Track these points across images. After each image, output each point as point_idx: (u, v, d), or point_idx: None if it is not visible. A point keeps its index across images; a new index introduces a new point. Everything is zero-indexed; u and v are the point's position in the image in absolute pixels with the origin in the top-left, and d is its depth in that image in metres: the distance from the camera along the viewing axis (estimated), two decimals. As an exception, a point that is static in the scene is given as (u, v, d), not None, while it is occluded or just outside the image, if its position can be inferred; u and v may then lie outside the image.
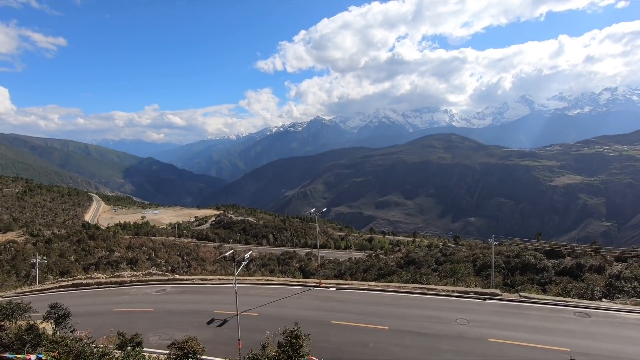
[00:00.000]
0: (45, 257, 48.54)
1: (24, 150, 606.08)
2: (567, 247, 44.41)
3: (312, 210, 32.60)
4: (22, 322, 17.44)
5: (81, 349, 13.14)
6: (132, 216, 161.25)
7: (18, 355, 13.59)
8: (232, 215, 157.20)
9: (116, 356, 14.60)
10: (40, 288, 34.71)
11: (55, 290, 33.64)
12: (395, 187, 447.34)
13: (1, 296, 30.74)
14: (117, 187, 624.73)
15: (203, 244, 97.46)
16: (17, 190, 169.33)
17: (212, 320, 21.46)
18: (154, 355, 17.32)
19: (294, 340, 13.29)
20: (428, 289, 25.37)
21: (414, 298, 24.03)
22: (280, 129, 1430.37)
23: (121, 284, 33.20)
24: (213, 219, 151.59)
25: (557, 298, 22.73)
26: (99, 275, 37.82)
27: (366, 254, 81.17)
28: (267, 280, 31.60)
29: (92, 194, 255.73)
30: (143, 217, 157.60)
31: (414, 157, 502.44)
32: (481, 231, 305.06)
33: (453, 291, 24.54)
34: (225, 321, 21.16)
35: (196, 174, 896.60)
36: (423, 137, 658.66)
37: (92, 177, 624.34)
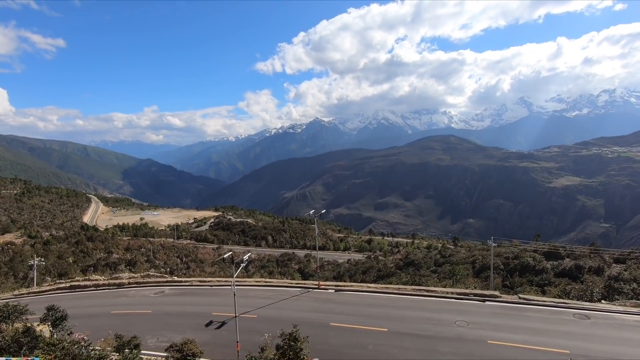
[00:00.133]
0: (43, 259, 48.37)
1: (22, 151, 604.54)
2: (566, 249, 44.43)
3: (311, 212, 32.56)
4: (19, 325, 17.30)
5: (78, 352, 13.06)
6: (130, 218, 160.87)
7: (14, 358, 13.49)
8: (231, 217, 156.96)
9: (114, 359, 14.51)
10: (37, 290, 34.55)
11: (53, 292, 33.47)
12: (394, 189, 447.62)
13: (-2, 298, 30.56)
14: (115, 189, 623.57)
15: (202, 246, 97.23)
16: (15, 191, 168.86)
17: (210, 322, 21.36)
18: (152, 357, 17.24)
19: (293, 343, 13.23)
20: (427, 291, 25.32)
21: (413, 300, 23.97)
22: (279, 131, 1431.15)
23: (119, 285, 33.06)
24: (212, 220, 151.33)
25: (556, 300, 22.71)
26: (97, 277, 37.65)
27: (365, 256, 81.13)
28: (266, 282, 31.52)
29: (90, 195, 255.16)
30: (142, 219, 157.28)
31: (413, 158, 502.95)
32: (480, 232, 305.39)
33: (452, 293, 24.50)
34: (223, 323, 21.07)
35: (195, 176, 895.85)
36: (422, 139, 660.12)
37: (90, 178, 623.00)
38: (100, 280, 35.38)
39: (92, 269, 54.73)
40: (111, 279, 35.71)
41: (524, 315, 20.17)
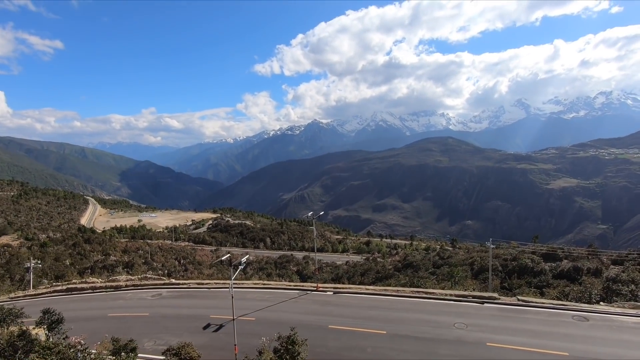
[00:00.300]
0: (40, 261, 48.07)
1: (19, 153, 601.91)
2: (564, 250, 44.46)
3: (310, 214, 32.48)
4: (14, 328, 17.16)
5: (74, 356, 12.93)
6: (128, 220, 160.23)
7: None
8: (229, 219, 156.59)
9: (110, 363, 14.38)
10: (34, 293, 34.31)
11: (49, 295, 33.24)
12: (393, 191, 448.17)
13: (-6, 301, 30.32)
14: (113, 191, 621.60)
15: (200, 248, 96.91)
16: (12, 193, 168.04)
17: (208, 325, 21.22)
18: (149, 361, 17.09)
19: (290, 346, 13.14)
20: (426, 293, 25.25)
21: (411, 302, 23.89)
22: (278, 132, 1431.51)
23: (116, 288, 32.86)
24: (210, 222, 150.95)
25: (555, 302, 22.67)
26: (94, 279, 37.41)
27: (364, 258, 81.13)
28: (264, 284, 31.38)
29: (88, 197, 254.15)
30: (139, 221, 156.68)
31: (411, 160, 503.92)
32: (478, 234, 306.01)
33: (451, 295, 24.44)
34: (221, 326, 20.94)
35: (193, 177, 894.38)
36: (420, 141, 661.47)
37: (88, 180, 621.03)
38: (97, 282, 35.16)
39: (90, 271, 54.46)
40: (108, 281, 35.50)
41: (523, 317, 20.13)
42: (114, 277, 38.35)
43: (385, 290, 27.12)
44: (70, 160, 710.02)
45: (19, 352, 14.46)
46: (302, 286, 30.00)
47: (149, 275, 39.08)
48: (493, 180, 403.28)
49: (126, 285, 33.15)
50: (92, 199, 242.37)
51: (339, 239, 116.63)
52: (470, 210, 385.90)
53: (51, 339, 15.98)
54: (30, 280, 41.81)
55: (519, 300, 22.77)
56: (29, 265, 42.46)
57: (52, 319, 17.81)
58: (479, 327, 18.83)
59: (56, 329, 17.52)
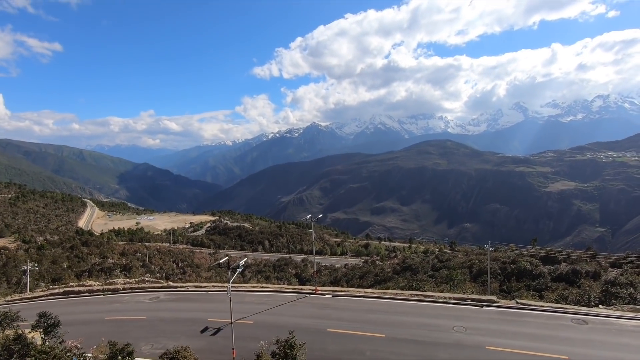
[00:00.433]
0: (36, 264, 47.75)
1: (17, 155, 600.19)
2: (562, 253, 44.46)
3: (308, 217, 32.43)
4: (9, 332, 16.98)
5: (70, 360, 12.80)
6: (126, 222, 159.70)
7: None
8: (227, 221, 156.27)
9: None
10: (30, 296, 34.05)
11: (46, 298, 33.00)
12: (391, 193, 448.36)
13: (-10, 304, 30.06)
14: (111, 193, 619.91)
15: (198, 250, 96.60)
16: (9, 195, 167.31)
17: (205, 329, 21.08)
18: (146, 365, 16.95)
19: (289, 350, 13.05)
20: (425, 296, 25.19)
21: (410, 305, 23.82)
22: (277, 135, 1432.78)
23: (114, 291, 32.66)
24: (208, 225, 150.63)
25: (554, 305, 22.63)
26: (91, 282, 37.19)
27: (362, 260, 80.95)
28: (263, 287, 31.25)
29: (86, 199, 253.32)
30: (137, 223, 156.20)
31: (410, 163, 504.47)
32: (477, 237, 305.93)
33: (450, 298, 24.37)
34: (219, 329, 20.80)
35: (192, 180, 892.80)
36: (419, 144, 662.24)
37: (86, 182, 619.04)
38: (95, 285, 34.94)
39: (87, 274, 54.10)
40: (105, 284, 35.29)
41: (522, 320, 20.07)
42: (112, 280, 38.14)
43: (384, 293, 27.05)
44: (68, 162, 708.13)
45: (15, 356, 14.32)
46: (301, 289, 29.90)
47: (147, 278, 38.88)
48: (491, 183, 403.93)
49: (123, 288, 32.95)
50: (90, 202, 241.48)
51: (338, 241, 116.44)
52: (468, 213, 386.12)
53: (47, 343, 15.83)
54: (27, 283, 41.49)
55: (517, 303, 22.72)
56: (25, 268, 42.17)
57: (48, 322, 17.69)
58: (478, 330, 18.76)
59: (52, 333, 17.38)
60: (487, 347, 16.79)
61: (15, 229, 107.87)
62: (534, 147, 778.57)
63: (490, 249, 35.08)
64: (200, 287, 32.21)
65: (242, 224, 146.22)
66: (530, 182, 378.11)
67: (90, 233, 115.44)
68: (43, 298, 32.99)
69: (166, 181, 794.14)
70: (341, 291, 28.40)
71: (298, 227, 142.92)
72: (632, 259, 37.51)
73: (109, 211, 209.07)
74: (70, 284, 37.65)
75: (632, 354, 15.83)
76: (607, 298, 24.78)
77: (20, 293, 37.68)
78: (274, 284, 44.82)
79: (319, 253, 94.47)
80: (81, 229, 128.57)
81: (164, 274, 60.11)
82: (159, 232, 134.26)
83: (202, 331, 20.81)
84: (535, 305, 22.21)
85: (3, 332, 17.37)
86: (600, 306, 22.62)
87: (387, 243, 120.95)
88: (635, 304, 22.48)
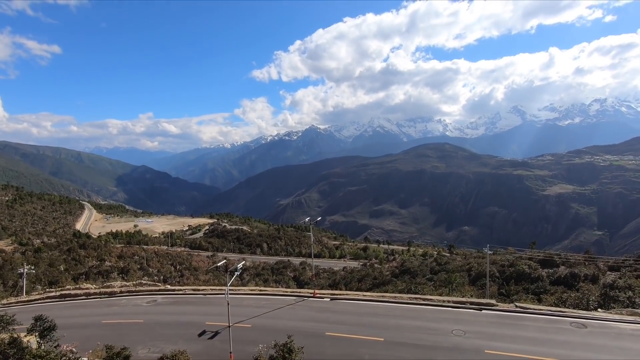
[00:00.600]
0: (33, 267, 47.43)
1: (15, 157, 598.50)
2: (560, 257, 44.49)
3: (307, 219, 32.40)
4: (5, 335, 16.81)
5: (66, 364, 12.67)
6: (124, 225, 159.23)
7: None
8: (226, 224, 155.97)
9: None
10: (26, 299, 33.81)
11: (42, 301, 32.77)
12: (390, 196, 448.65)
13: (-14, 307, 29.82)
14: (109, 196, 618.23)
15: (196, 253, 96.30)
16: (6, 198, 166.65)
17: (203, 332, 20.94)
18: (143, 369, 16.80)
19: (287, 354, 12.96)
20: (423, 299, 25.11)
21: (409, 309, 23.73)
22: (275, 138, 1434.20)
23: (111, 294, 32.45)
24: (207, 227, 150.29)
25: (552, 308, 22.59)
26: (88, 285, 36.97)
27: (361, 263, 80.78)
28: (261, 290, 31.11)
29: (84, 202, 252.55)
30: (135, 226, 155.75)
31: (408, 166, 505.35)
32: (475, 240, 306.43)
33: (449, 301, 24.30)
34: (217, 333, 20.66)
35: (190, 183, 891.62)
36: (417, 147, 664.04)
37: (84, 185, 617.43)
38: (92, 288, 34.73)
39: (84, 277, 53.81)
40: (103, 287, 35.08)
41: (521, 324, 20.01)
42: (109, 283, 37.94)
43: (382, 296, 26.95)
44: (66, 164, 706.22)
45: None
46: (299, 292, 29.77)
47: (144, 282, 38.68)
48: (490, 186, 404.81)
49: (121, 292, 32.75)
50: (88, 204, 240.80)
51: (336, 244, 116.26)
52: (467, 216, 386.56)
53: (43, 347, 15.70)
54: (23, 286, 41.22)
55: (516, 306, 22.67)
56: (22, 270, 41.89)
57: (44, 326, 17.51)
58: (477, 334, 18.69)
59: (48, 337, 17.21)
60: (486, 351, 16.71)
61: (13, 231, 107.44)
62: (532, 150, 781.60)
63: (489, 252, 35.10)
64: (198, 290, 32.04)
65: (240, 227, 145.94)
66: (528, 185, 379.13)
67: (87, 236, 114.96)
68: (39, 301, 32.75)
69: (164, 184, 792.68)
70: (340, 294, 28.30)
71: (296, 230, 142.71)
72: (630, 262, 37.54)
73: (106, 214, 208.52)
74: (67, 287, 37.40)
75: (631, 358, 15.79)
76: (606, 301, 24.75)
77: (16, 296, 37.42)
78: (272, 287, 44.68)
79: (317, 256, 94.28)
80: (79, 231, 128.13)
81: (162, 277, 59.88)
82: (157, 235, 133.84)
83: (200, 335, 20.66)
84: (534, 309, 22.16)
85: (-2, 336, 17.20)
86: (599, 310, 22.59)
87: (386, 246, 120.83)
88: (634, 308, 22.47)
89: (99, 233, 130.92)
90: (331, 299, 26.64)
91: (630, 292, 25.36)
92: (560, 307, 23.69)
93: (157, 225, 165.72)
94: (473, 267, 46.55)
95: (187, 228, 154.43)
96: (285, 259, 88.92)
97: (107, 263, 65.66)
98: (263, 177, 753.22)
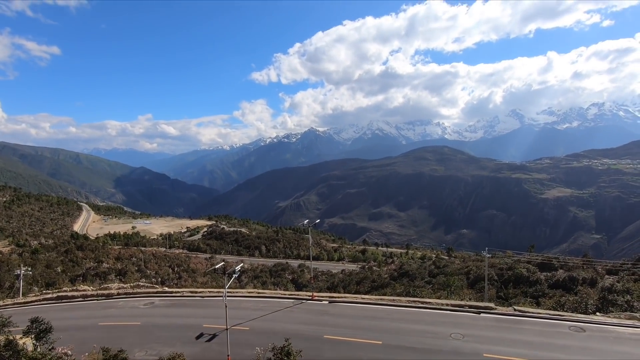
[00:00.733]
0: (30, 269, 47.15)
1: (13, 158, 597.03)
2: (559, 260, 44.49)
3: (305, 222, 32.29)
4: (0, 337, 16.67)
5: (61, 367, 12.56)
6: (122, 226, 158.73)
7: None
8: (224, 226, 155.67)
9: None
10: (23, 301, 33.59)
11: (39, 303, 32.56)
12: (389, 199, 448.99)
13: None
14: (107, 197, 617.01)
15: (194, 255, 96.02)
16: (4, 199, 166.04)
17: (201, 335, 20.82)
18: (140, 372, 16.68)
19: (285, 358, 12.89)
20: (422, 303, 25.05)
21: (407, 312, 23.66)
22: (274, 140, 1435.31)
23: (108, 296, 32.28)
24: (205, 229, 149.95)
25: (551, 312, 22.55)
26: (85, 287, 36.77)
27: (359, 266, 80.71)
28: (259, 293, 31.00)
29: (82, 203, 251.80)
30: (133, 228, 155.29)
31: (407, 169, 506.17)
32: (473, 243, 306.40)
33: (447, 305, 24.24)
34: (214, 336, 20.54)
35: (189, 184, 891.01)
36: (416, 149, 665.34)
37: (82, 186, 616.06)
38: (89, 290, 34.55)
39: (81, 278, 53.55)
40: (100, 289, 34.90)
41: (520, 327, 19.96)
42: (106, 285, 37.75)
43: (381, 299, 26.89)
44: (64, 166, 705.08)
45: (5, 362, 14.04)
46: (298, 295, 29.68)
47: (142, 283, 38.53)
48: (488, 189, 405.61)
49: (118, 294, 32.58)
50: (86, 205, 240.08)
51: (335, 247, 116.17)
52: (465, 219, 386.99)
53: (39, 349, 15.57)
54: (19, 287, 40.97)
55: (515, 310, 22.62)
56: (19, 272, 41.65)
57: (41, 328, 17.39)
58: (476, 337, 18.63)
59: (44, 339, 17.09)
60: (484, 355, 16.66)
61: (10, 232, 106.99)
62: (530, 154, 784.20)
63: (488, 255, 35.06)
64: (196, 292, 31.90)
65: (239, 229, 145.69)
66: (526, 188, 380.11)
67: (85, 237, 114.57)
68: (36, 303, 32.54)
69: (163, 185, 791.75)
70: (338, 297, 28.21)
71: (295, 233, 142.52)
72: (628, 266, 37.56)
73: (104, 215, 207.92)
74: (64, 288, 37.20)
75: (630, 362, 15.76)
76: (604, 305, 24.72)
77: (12, 298, 37.18)
78: (270, 289, 44.57)
79: (316, 259, 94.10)
80: (76, 233, 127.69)
81: (160, 279, 59.65)
82: (155, 237, 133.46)
83: (197, 337, 20.54)
84: (532, 313, 22.11)
85: (-6, 338, 17.06)
86: (597, 313, 22.56)
87: (384, 249, 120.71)
88: (632, 312, 22.44)
89: (97, 234, 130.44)
90: (329, 302, 26.55)
91: (628, 295, 25.35)
92: (558, 310, 23.64)
93: (155, 227, 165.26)
94: (472, 270, 46.48)
95: (186, 230, 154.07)
96: (284, 261, 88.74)
97: (105, 265, 65.33)
98: (262, 179, 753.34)
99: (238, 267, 18.19)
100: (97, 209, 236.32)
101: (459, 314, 22.57)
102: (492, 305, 23.77)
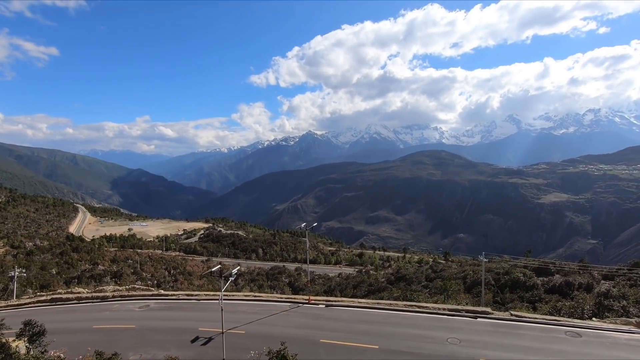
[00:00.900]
0: (24, 270, 46.71)
1: (9, 159, 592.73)
2: (555, 265, 44.58)
3: (303, 225, 32.26)
4: (-7, 340, 16.48)
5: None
6: (118, 228, 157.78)
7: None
8: (221, 229, 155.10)
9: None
10: (17, 303, 33.25)
11: (33, 305, 32.24)
12: (386, 203, 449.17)
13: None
14: (104, 199, 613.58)
15: (191, 258, 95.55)
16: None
17: (196, 339, 20.67)
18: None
19: (281, 362, 12.80)
20: (419, 307, 25.00)
21: (404, 316, 23.61)
22: (272, 143, 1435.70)
23: (103, 299, 32.02)
24: (202, 232, 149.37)
25: (547, 317, 22.58)
26: (80, 289, 36.46)
27: (356, 270, 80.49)
28: (255, 296, 30.85)
29: (78, 205, 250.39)
30: (130, 230, 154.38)
31: (405, 173, 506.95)
32: (470, 247, 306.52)
33: (444, 309, 24.22)
34: (210, 339, 20.40)
35: (186, 187, 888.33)
36: (413, 154, 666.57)
37: (79, 187, 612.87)
38: (83, 293, 34.26)
39: (76, 280, 53.06)
40: (95, 291, 34.62)
41: (516, 332, 19.96)
42: (101, 288, 37.45)
43: (378, 303, 26.82)
44: (61, 167, 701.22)
45: (-3, 365, 13.87)
46: (294, 299, 29.56)
47: (137, 286, 38.26)
48: (485, 194, 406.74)
49: (113, 296, 32.32)
50: (82, 207, 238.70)
51: (332, 250, 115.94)
52: (462, 223, 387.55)
53: (32, 352, 15.39)
54: (14, 289, 40.56)
55: (512, 315, 22.63)
56: (13, 274, 41.24)
57: (34, 330, 17.22)
58: (473, 342, 18.60)
59: (37, 342, 16.91)
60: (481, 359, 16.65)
61: (4, 233, 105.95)
62: (527, 159, 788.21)
63: (484, 259, 35.08)
64: (192, 295, 31.71)
65: (236, 232, 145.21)
66: (523, 193, 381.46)
67: (81, 239, 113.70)
68: (30, 305, 32.23)
69: (160, 187, 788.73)
70: (335, 301, 28.12)
71: (292, 236, 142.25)
72: (624, 272, 37.68)
73: (101, 217, 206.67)
74: (59, 290, 36.89)
75: (626, 367, 15.76)
76: (600, 310, 24.76)
77: (6, 300, 36.80)
78: (267, 293, 44.33)
79: (312, 262, 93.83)
80: (72, 234, 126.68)
81: (156, 282, 59.18)
82: (152, 239, 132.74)
83: (193, 341, 20.39)
84: (529, 317, 22.14)
85: (-14, 341, 16.86)
86: (593, 319, 22.59)
87: (381, 253, 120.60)
88: (628, 317, 22.49)
89: (93, 236, 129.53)
90: (326, 306, 26.46)
91: (624, 301, 25.40)
92: (555, 315, 23.67)
93: (152, 229, 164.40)
94: (468, 274, 46.49)
95: (182, 232, 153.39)
96: (281, 264, 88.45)
97: (100, 267, 64.81)
98: (259, 182, 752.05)
99: (234, 270, 18.12)
100: (93, 211, 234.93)
101: (455, 319, 22.56)
102: (488, 309, 23.76)
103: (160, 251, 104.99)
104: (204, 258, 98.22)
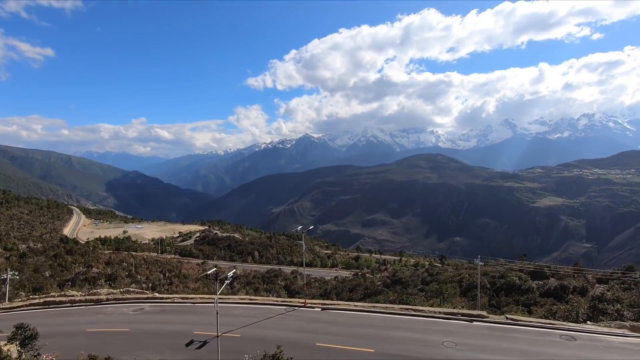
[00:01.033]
0: (17, 273, 46.21)
1: (2, 160, 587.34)
2: (550, 268, 44.80)
3: (299, 228, 32.24)
4: (-16, 344, 16.26)
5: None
6: (113, 231, 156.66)
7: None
8: (217, 231, 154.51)
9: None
10: (9, 306, 32.85)
11: (25, 308, 31.89)
12: (382, 206, 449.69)
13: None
14: (99, 201, 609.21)
15: (186, 261, 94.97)
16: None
17: (191, 342, 20.52)
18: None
19: (276, 365, 12.74)
20: (415, 310, 25.01)
21: (400, 320, 23.59)
22: (269, 146, 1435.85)
23: (97, 302, 31.71)
24: (198, 234, 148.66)
25: (542, 320, 22.64)
26: (74, 292, 36.10)
27: (352, 273, 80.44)
28: (251, 299, 30.72)
29: (72, 207, 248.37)
30: (125, 232, 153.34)
31: (401, 176, 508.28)
32: (466, 251, 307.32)
33: (440, 312, 24.23)
34: (205, 343, 20.26)
35: (182, 189, 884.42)
36: (410, 157, 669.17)
37: (73, 189, 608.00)
38: (77, 295, 33.92)
39: (70, 283, 52.53)
40: (88, 294, 34.29)
41: (512, 336, 20.00)
42: (95, 290, 37.12)
43: (374, 306, 26.78)
44: (55, 168, 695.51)
45: (-12, 369, 13.67)
46: (290, 302, 29.46)
47: (132, 289, 37.93)
48: (481, 197, 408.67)
49: (107, 299, 32.03)
50: (77, 209, 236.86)
51: (328, 253, 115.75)
52: (458, 227, 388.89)
53: (24, 356, 15.20)
54: (6, 292, 40.08)
55: (507, 318, 22.68)
56: (5, 276, 40.78)
57: (26, 334, 17.01)
58: (468, 346, 18.61)
59: (29, 345, 16.70)
60: (476, 363, 16.64)
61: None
62: (522, 163, 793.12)
63: (480, 263, 35.20)
64: (187, 298, 31.50)
65: (232, 235, 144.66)
66: (518, 197, 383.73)
67: (75, 241, 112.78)
68: (22, 308, 31.87)
69: (156, 189, 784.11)
70: (331, 304, 28.05)
71: (288, 239, 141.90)
72: (618, 275, 37.93)
73: (95, 219, 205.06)
74: (52, 293, 36.50)
75: (620, 371, 15.83)
76: (595, 314, 24.90)
77: (-2, 303, 36.32)
78: (262, 296, 44.18)
79: (309, 265, 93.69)
80: (66, 236, 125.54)
81: (150, 285, 58.71)
82: (147, 242, 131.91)
83: (188, 344, 20.24)
84: (524, 321, 22.19)
85: (-23, 344, 16.63)
86: (588, 322, 22.71)
87: (378, 256, 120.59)
88: (622, 320, 22.63)
89: (87, 239, 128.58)
90: (322, 309, 26.39)
91: (618, 304, 25.56)
92: (550, 319, 23.76)
93: (147, 231, 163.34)
94: (464, 278, 46.60)
95: (178, 235, 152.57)
96: (277, 267, 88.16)
97: (94, 269, 64.23)
98: (256, 185, 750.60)
99: (230, 273, 18.02)
100: (88, 213, 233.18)
101: (451, 322, 22.56)
102: (484, 313, 23.81)
103: (155, 254, 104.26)
104: (200, 261, 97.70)
